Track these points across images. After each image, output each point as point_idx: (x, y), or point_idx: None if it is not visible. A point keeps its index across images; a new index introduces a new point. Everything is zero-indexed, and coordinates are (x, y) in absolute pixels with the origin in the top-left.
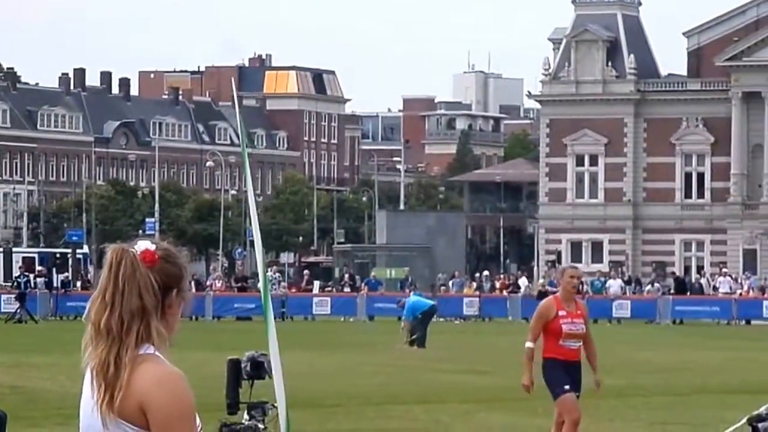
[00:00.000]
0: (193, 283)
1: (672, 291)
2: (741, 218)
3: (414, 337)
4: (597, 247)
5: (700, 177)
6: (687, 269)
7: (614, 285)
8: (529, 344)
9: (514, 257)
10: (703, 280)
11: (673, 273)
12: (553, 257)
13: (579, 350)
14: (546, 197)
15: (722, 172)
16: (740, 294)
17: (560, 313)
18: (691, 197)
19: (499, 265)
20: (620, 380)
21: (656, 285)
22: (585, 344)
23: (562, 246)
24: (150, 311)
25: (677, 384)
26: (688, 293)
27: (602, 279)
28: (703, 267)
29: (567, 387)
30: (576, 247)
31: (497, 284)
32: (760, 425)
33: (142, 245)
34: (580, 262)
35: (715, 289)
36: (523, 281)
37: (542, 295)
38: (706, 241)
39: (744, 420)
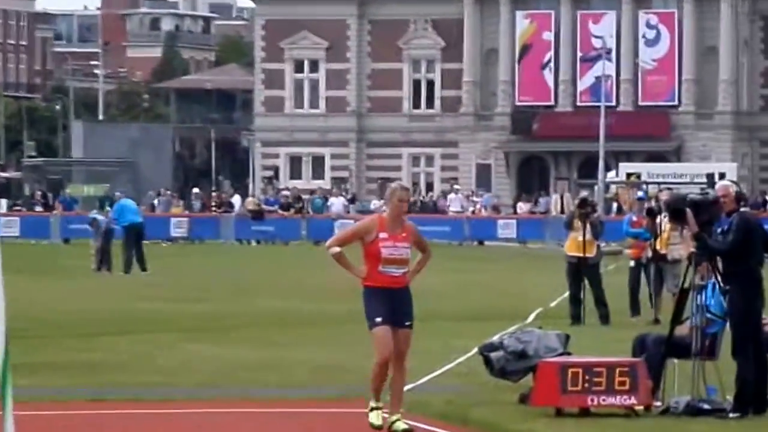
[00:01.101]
0: None
1: None
2: (473, 130)
3: (101, 259)
4: (318, 162)
5: (430, 85)
6: (415, 186)
7: (337, 203)
8: (335, 249)
9: (227, 173)
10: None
11: None
12: (270, 173)
13: (403, 278)
14: (262, 107)
15: (453, 79)
16: (473, 212)
17: (381, 235)
18: (419, 107)
19: (210, 181)
20: (341, 306)
21: (382, 202)
22: (422, 253)
23: (280, 161)
24: None
25: None
26: (417, 212)
27: (324, 197)
28: (433, 183)
29: (379, 320)
30: (295, 162)
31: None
32: (492, 355)
33: None
34: (300, 178)
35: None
36: (236, 200)
37: (257, 214)
38: (436, 156)
39: (475, 350)
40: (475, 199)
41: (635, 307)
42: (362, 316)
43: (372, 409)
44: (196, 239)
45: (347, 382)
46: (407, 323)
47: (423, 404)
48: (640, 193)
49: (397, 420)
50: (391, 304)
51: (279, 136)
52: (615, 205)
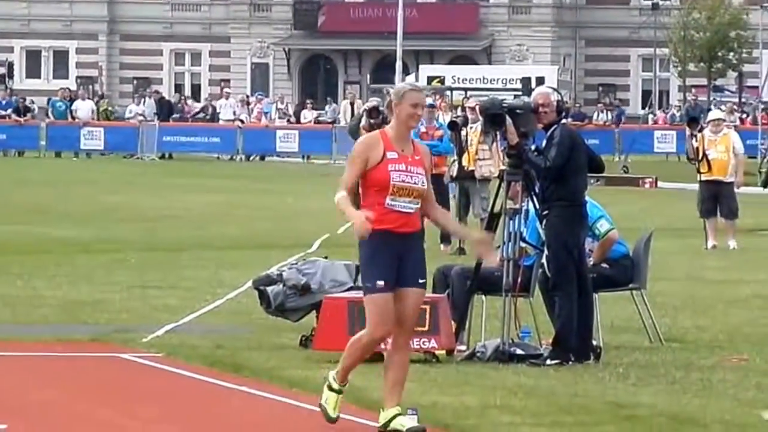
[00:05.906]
0: None
1: (158, 116)
2: (249, 23)
3: None
4: (61, 58)
5: None
6: (179, 88)
7: (83, 108)
8: (341, 193)
9: None
10: (219, 103)
11: (157, 92)
12: (2, 71)
13: (415, 217)
14: None
15: None
16: (246, 121)
17: (390, 155)
18: None
19: None
20: (88, 231)
21: (141, 108)
22: (426, 207)
23: (15, 55)
24: None
25: (164, 237)
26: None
27: (68, 100)
28: (200, 86)
29: (381, 284)
30: (33, 58)
31: None
32: (268, 289)
33: None
34: (39, 77)
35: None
36: None
37: None
38: (203, 52)
39: (249, 283)
40: (252, 104)
41: (446, 235)
42: (118, 246)
43: (331, 390)
44: None
45: (99, 321)
46: (421, 281)
47: (187, 347)
48: (429, 100)
49: (398, 414)
50: (398, 257)
51: (12, 25)
52: None
